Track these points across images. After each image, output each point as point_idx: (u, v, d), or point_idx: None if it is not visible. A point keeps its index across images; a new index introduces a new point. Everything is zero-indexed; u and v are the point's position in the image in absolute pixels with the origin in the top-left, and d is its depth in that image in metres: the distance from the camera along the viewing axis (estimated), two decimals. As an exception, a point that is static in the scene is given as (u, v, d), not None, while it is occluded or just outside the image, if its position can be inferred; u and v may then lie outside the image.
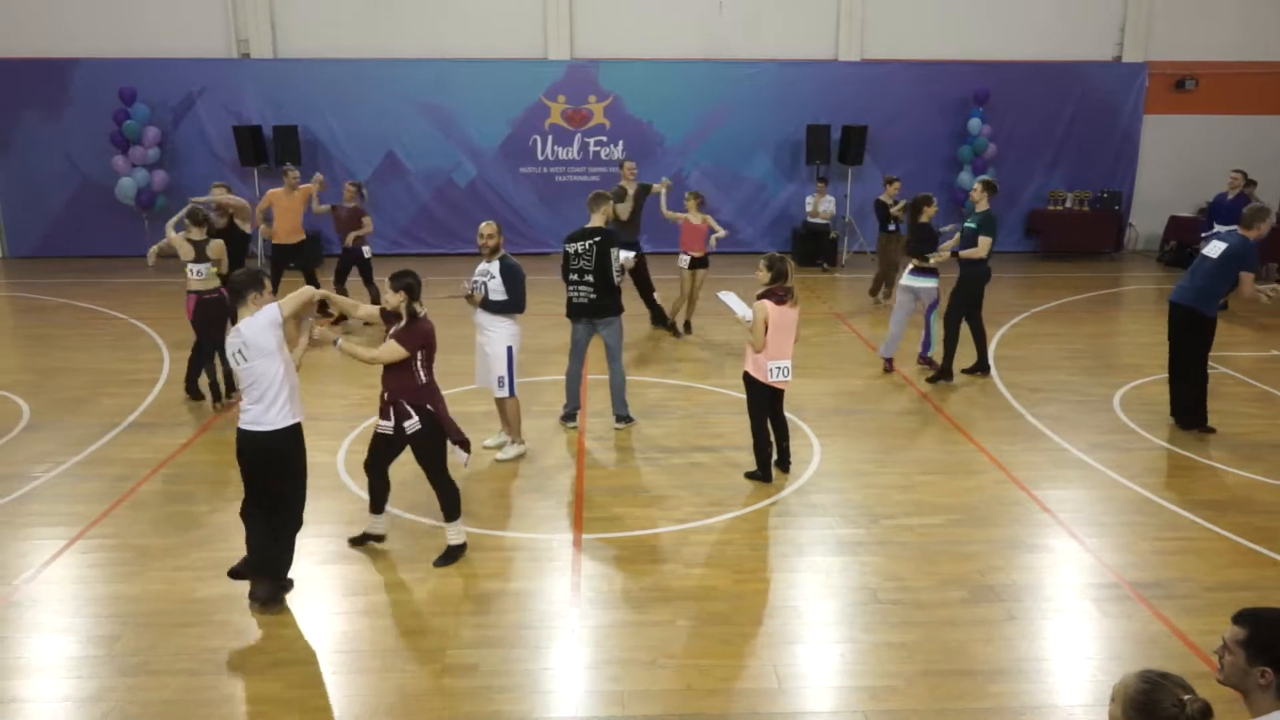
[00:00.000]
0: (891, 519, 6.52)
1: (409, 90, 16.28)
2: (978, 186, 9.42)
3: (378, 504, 6.04)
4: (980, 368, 9.69)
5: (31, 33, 16.01)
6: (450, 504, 5.92)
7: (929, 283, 9.48)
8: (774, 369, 6.88)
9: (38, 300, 13.51)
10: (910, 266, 9.58)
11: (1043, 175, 17.19)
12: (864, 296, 13.52)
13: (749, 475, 7.18)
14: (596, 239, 7.75)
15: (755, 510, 6.65)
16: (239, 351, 5.10)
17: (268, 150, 16.01)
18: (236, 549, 6.02)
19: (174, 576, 5.73)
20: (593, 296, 7.84)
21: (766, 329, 6.72)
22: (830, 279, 15.17)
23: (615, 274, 7.82)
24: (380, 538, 6.12)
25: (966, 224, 9.39)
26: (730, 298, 7.15)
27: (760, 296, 6.78)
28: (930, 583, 5.66)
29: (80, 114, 16.05)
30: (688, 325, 11.46)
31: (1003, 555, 6.01)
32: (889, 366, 9.85)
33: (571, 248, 7.83)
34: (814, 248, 16.07)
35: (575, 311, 7.98)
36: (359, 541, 6.10)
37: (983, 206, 9.29)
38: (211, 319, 8.56)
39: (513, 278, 7.16)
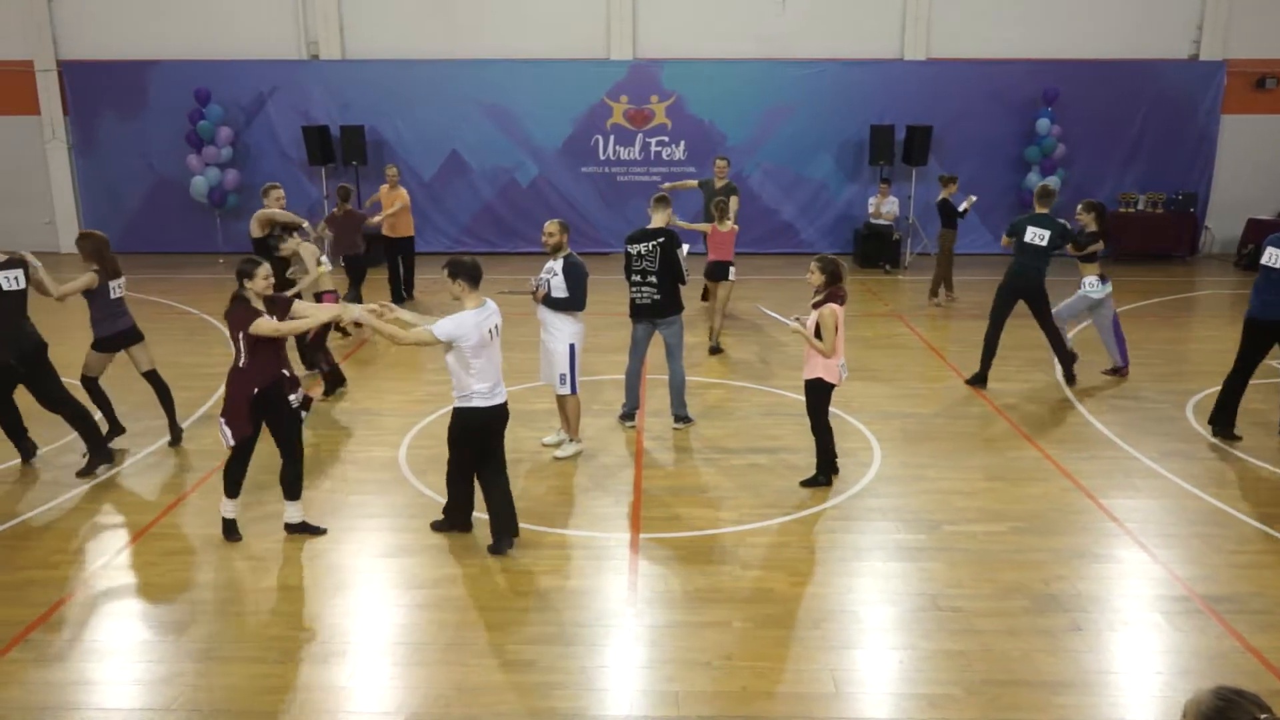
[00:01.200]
0: (953, 525, 6.42)
1: (473, 91, 16.48)
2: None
3: None
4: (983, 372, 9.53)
5: (112, 37, 16.54)
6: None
7: (1102, 291, 9.32)
8: (842, 366, 6.91)
9: (115, 295, 13.91)
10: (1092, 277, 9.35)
11: (1114, 177, 16.79)
12: (924, 298, 13.34)
13: (806, 483, 7.04)
14: (659, 240, 7.76)
15: (813, 513, 6.60)
16: (496, 327, 5.79)
17: (335, 150, 16.31)
18: (303, 539, 6.17)
19: (242, 565, 5.87)
20: (655, 297, 7.86)
21: (837, 331, 6.65)
22: (892, 281, 14.99)
23: (684, 274, 7.85)
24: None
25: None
26: (767, 312, 7.46)
27: (823, 301, 6.68)
28: (992, 591, 5.56)
29: (157, 114, 16.55)
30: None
31: (1068, 564, 5.88)
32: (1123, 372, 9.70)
33: (634, 248, 7.85)
34: (876, 249, 15.91)
35: (637, 312, 8.00)
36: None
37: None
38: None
39: (575, 276, 7.21)
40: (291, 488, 6.23)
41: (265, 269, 5.98)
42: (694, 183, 12.35)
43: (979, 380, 9.40)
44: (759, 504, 6.75)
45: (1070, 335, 9.67)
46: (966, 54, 16.44)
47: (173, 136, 16.44)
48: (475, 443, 5.92)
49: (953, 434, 8.17)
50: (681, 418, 8.25)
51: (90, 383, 7.64)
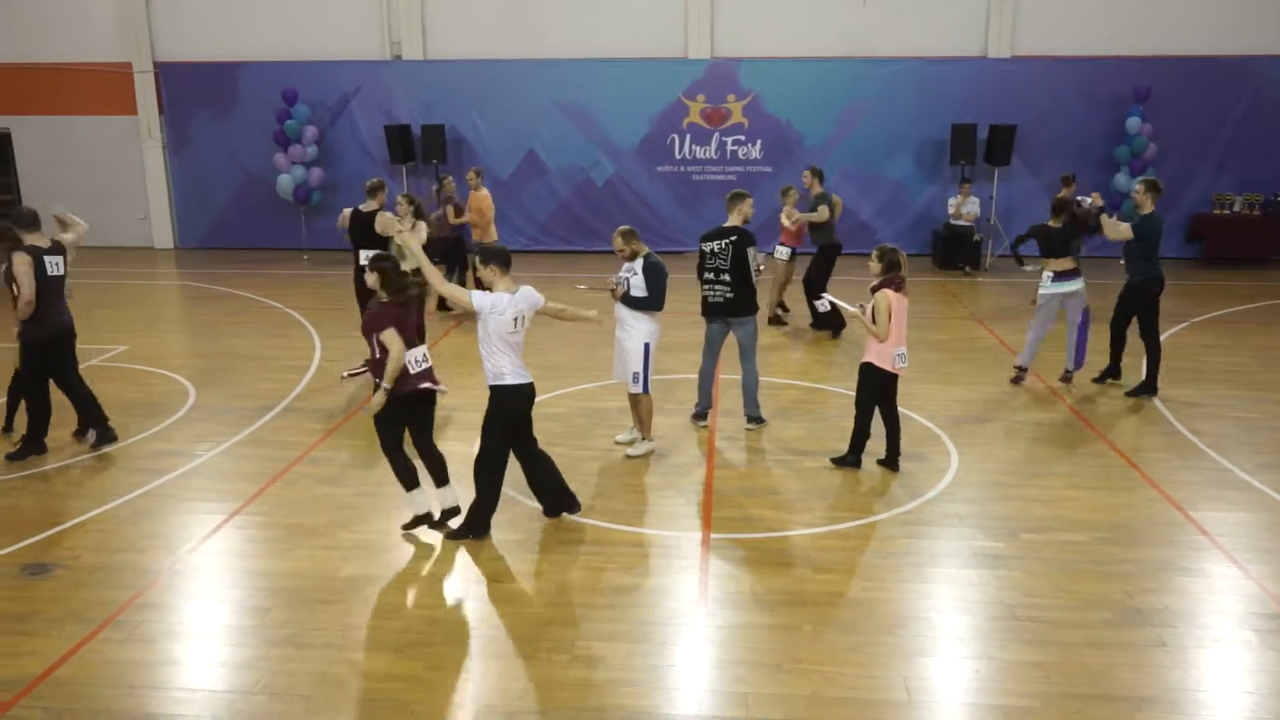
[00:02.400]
0: (1032, 533, 6.26)
1: (550, 90, 16.62)
2: (1140, 188, 8.75)
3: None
4: (1110, 374, 9.25)
5: (206, 39, 17.09)
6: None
7: (1072, 286, 9.03)
8: (898, 356, 6.99)
9: (205, 289, 14.40)
10: (1050, 272, 9.06)
11: (1208, 177, 16.20)
12: (1007, 299, 13.05)
13: (836, 461, 7.27)
14: (732, 238, 7.73)
15: (888, 518, 6.50)
16: (522, 317, 5.89)
17: (415, 148, 16.60)
18: (380, 531, 6.30)
19: (321, 555, 6.01)
20: (728, 296, 7.82)
21: (890, 317, 6.85)
22: (972, 283, 14.69)
23: (754, 274, 7.79)
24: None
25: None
26: (832, 300, 7.48)
27: (879, 287, 6.92)
28: (1073, 602, 5.41)
29: (246, 114, 17.05)
30: (783, 306, 11.83)
31: (1154, 577, 5.69)
32: (1020, 377, 9.44)
33: (707, 246, 7.83)
34: (956, 250, 15.60)
35: (710, 310, 7.98)
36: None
37: (1146, 209, 8.72)
38: None
39: (654, 276, 7.22)
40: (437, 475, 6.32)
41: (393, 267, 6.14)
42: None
43: (1111, 374, 9.28)
44: (832, 507, 6.68)
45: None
46: (1053, 51, 16.02)
47: (261, 135, 16.91)
48: (511, 424, 6.00)
49: (1033, 440, 7.97)
50: (754, 418, 8.20)
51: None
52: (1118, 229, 8.83)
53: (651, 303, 7.26)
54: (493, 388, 5.92)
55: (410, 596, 5.55)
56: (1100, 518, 6.49)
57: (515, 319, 5.83)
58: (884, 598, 5.47)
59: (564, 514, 6.42)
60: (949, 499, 6.80)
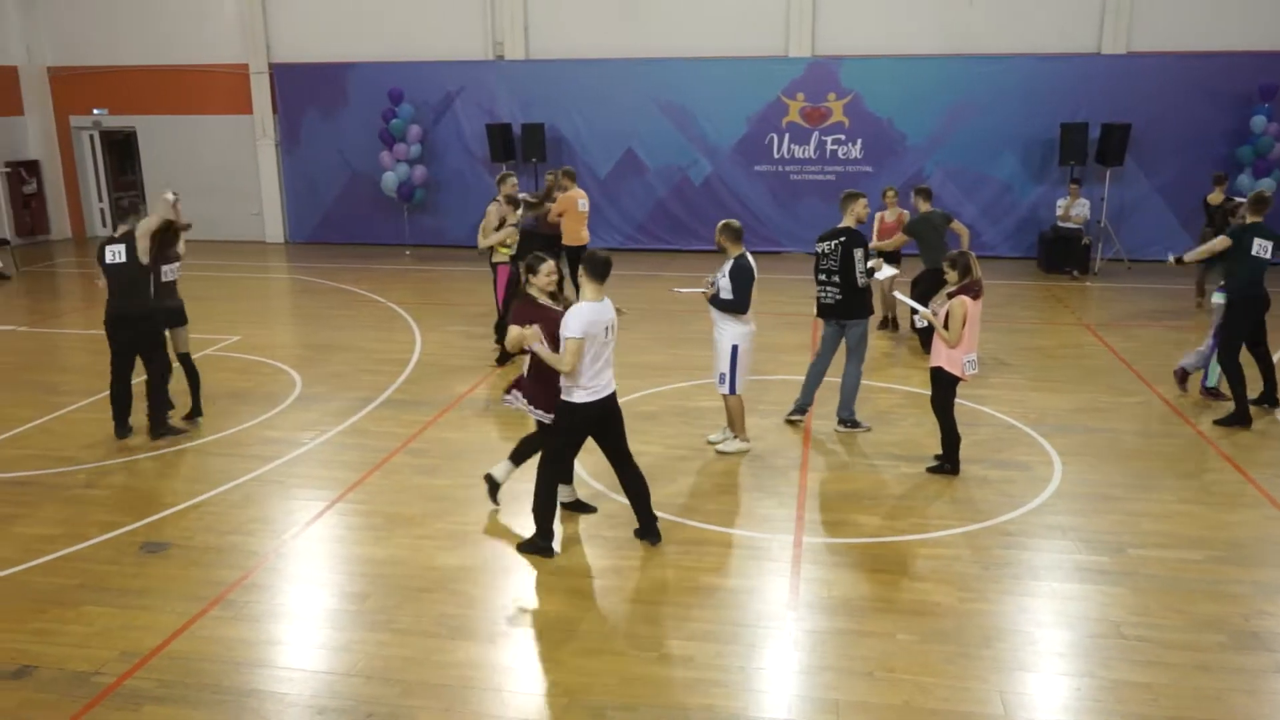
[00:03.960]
0: (1141, 549, 6.02)
1: (650, 89, 16.67)
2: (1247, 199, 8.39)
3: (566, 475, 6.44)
4: (1267, 399, 8.64)
5: (317, 41, 17.66)
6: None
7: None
8: (968, 362, 6.91)
9: (312, 283, 14.88)
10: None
11: (1340, 179, 15.33)
12: (1117, 305, 12.58)
13: (932, 470, 7.15)
14: (842, 239, 7.66)
15: (986, 528, 6.33)
16: (612, 325, 5.75)
17: (515, 147, 16.85)
18: (474, 522, 6.41)
19: (417, 544, 6.15)
20: (838, 297, 7.77)
21: (964, 324, 6.76)
22: (1080, 288, 14.19)
23: (859, 275, 7.69)
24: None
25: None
26: (907, 299, 7.51)
27: (956, 293, 6.83)
28: (1183, 622, 5.18)
29: (354, 113, 17.57)
30: (895, 323, 11.47)
31: (1272, 600, 5.41)
32: (1182, 383, 9.03)
33: (820, 247, 7.80)
34: (1063, 254, 15.09)
35: (822, 311, 7.97)
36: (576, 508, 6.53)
37: (1247, 219, 8.27)
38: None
39: (740, 278, 7.18)
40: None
41: (549, 265, 5.98)
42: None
43: (1268, 400, 8.63)
44: (928, 514, 6.54)
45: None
46: (1172, 46, 15.36)
47: (367, 134, 17.40)
48: (572, 437, 5.90)
49: (1143, 452, 7.66)
50: (845, 421, 8.09)
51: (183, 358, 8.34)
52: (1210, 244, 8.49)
53: (736, 305, 7.22)
54: (559, 402, 5.78)
55: (503, 588, 5.64)
56: (1215, 535, 6.20)
57: (605, 329, 5.67)
58: (981, 609, 5.33)
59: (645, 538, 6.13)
60: (1051, 510, 6.59)
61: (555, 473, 5.95)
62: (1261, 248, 8.13)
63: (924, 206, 10.59)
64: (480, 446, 7.81)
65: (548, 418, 5.96)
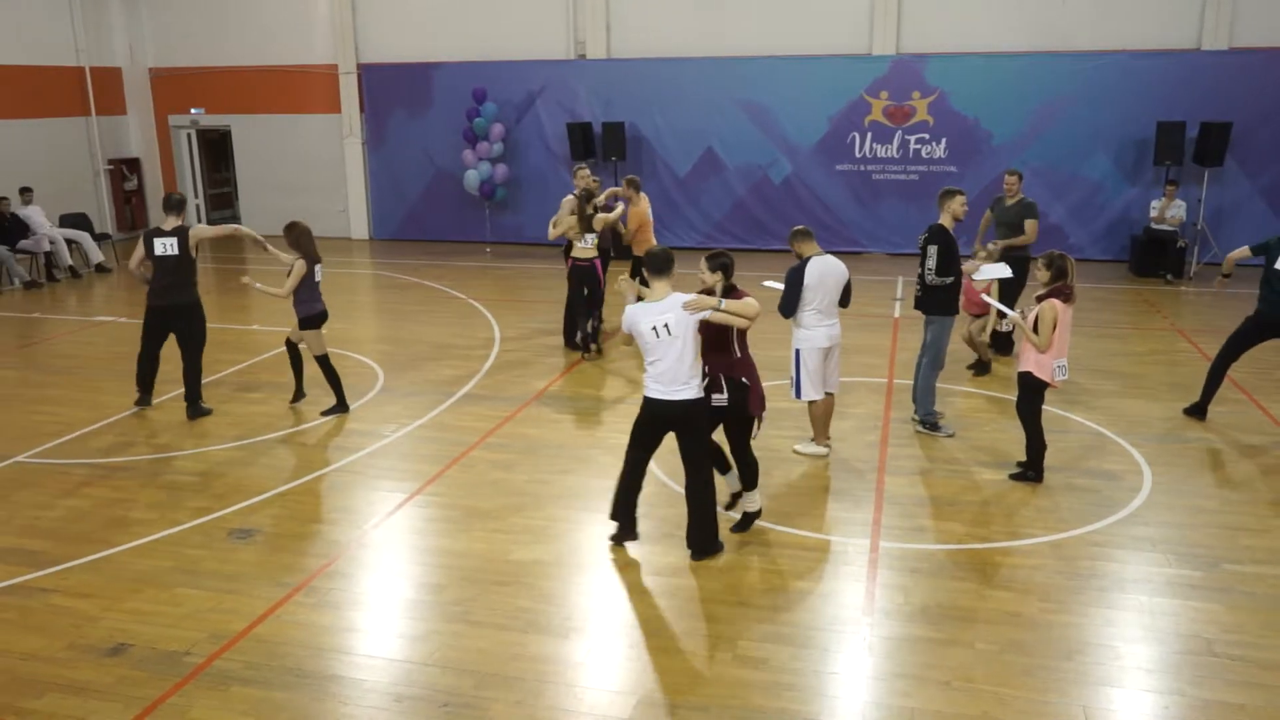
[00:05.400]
0: (1236, 564, 5.79)
1: (730, 87, 16.59)
2: None
3: (723, 467, 6.29)
4: None
5: (404, 41, 17.99)
6: (751, 475, 6.14)
7: None
8: (1058, 367, 6.68)
9: (395, 278, 15.18)
10: None
11: None
12: (1213, 310, 12.11)
13: (1015, 477, 6.97)
14: (925, 235, 7.61)
15: (1071, 537, 6.16)
16: (664, 326, 5.54)
17: (595, 145, 16.93)
18: (550, 518, 6.47)
19: (493, 537, 6.23)
20: (918, 294, 7.82)
21: (1054, 328, 6.54)
22: (1174, 292, 13.70)
23: (927, 272, 7.62)
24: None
25: None
26: (987, 300, 7.34)
27: (1046, 296, 6.61)
28: (1281, 641, 4.98)
29: (439, 112, 17.86)
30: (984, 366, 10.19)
31: (1378, 622, 5.17)
32: None
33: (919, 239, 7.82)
34: (1157, 257, 14.57)
35: (915, 305, 8.00)
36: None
37: None
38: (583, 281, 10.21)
39: (788, 281, 7.10)
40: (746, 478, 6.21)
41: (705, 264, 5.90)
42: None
43: (1197, 411, 8.33)
44: (1009, 522, 6.39)
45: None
46: (1277, 42, 14.71)
47: (451, 132, 17.67)
48: (645, 433, 5.83)
49: (1240, 464, 7.37)
50: (924, 422, 7.98)
51: (323, 360, 8.46)
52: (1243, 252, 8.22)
53: (781, 308, 7.15)
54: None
55: (578, 583, 5.68)
56: (1316, 552, 5.94)
57: (655, 329, 5.54)
58: (1064, 620, 5.19)
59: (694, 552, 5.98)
60: (1140, 521, 6.38)
61: (627, 453, 5.90)
62: None
63: (1012, 199, 10.07)
64: (558, 442, 7.88)
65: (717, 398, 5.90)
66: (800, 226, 7.32)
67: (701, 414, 5.76)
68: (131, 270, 8.62)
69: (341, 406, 8.56)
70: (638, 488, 5.98)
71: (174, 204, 8.34)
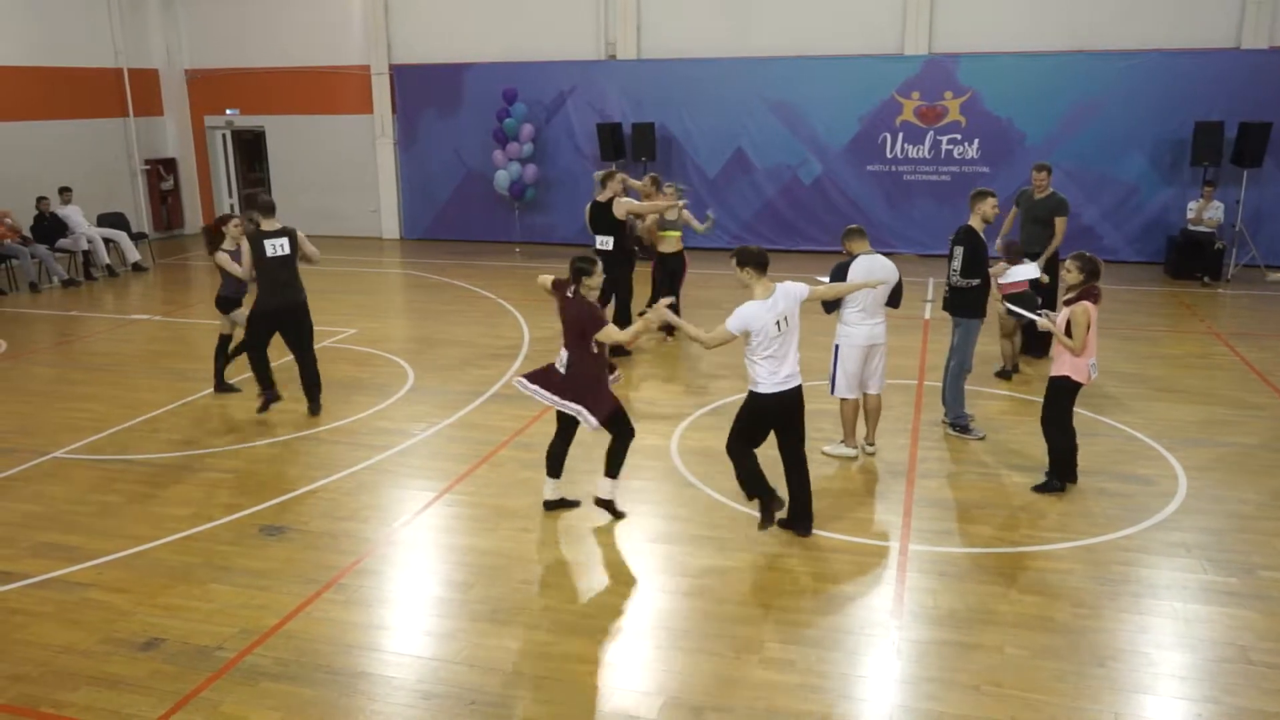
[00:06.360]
0: (1273, 571, 5.70)
1: (760, 88, 16.54)
2: None
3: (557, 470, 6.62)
4: None
5: (435, 42, 18.09)
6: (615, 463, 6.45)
7: None
8: (1091, 366, 6.62)
9: (425, 278, 15.27)
10: None
11: None
12: (1251, 313, 11.92)
13: (1039, 489, 6.82)
14: (954, 236, 7.60)
15: (1104, 542, 6.09)
16: (785, 319, 5.77)
17: (626, 146, 16.94)
18: (580, 517, 6.49)
19: (521, 536, 6.25)
20: (946, 294, 7.80)
21: (1088, 331, 6.45)
22: (1211, 294, 13.49)
23: (951, 273, 7.61)
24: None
25: None
26: (1022, 311, 7.20)
27: (1077, 298, 6.49)
28: (1319, 650, 4.89)
29: (469, 113, 17.95)
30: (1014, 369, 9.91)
31: None
32: None
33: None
34: (1193, 259, 14.35)
35: (943, 307, 7.99)
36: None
37: None
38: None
39: (833, 275, 7.16)
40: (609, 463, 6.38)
41: (600, 267, 6.11)
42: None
43: None
44: (1042, 526, 6.32)
45: None
46: (1320, 40, 14.47)
47: (481, 133, 17.75)
48: (757, 424, 6.00)
49: (1277, 469, 7.25)
50: (954, 425, 7.94)
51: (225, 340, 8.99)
52: None
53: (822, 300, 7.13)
54: (749, 392, 5.97)
55: (605, 584, 5.69)
56: (1356, 560, 5.83)
57: (778, 323, 5.74)
58: (1096, 626, 5.14)
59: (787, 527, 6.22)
60: (1174, 527, 6.30)
61: (740, 448, 6.04)
62: None
63: (1047, 186, 9.89)
64: (587, 442, 7.87)
65: (585, 414, 6.09)
66: (853, 225, 7.38)
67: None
68: (244, 276, 8.56)
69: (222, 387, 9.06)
70: (761, 471, 6.07)
71: (271, 206, 8.38)
